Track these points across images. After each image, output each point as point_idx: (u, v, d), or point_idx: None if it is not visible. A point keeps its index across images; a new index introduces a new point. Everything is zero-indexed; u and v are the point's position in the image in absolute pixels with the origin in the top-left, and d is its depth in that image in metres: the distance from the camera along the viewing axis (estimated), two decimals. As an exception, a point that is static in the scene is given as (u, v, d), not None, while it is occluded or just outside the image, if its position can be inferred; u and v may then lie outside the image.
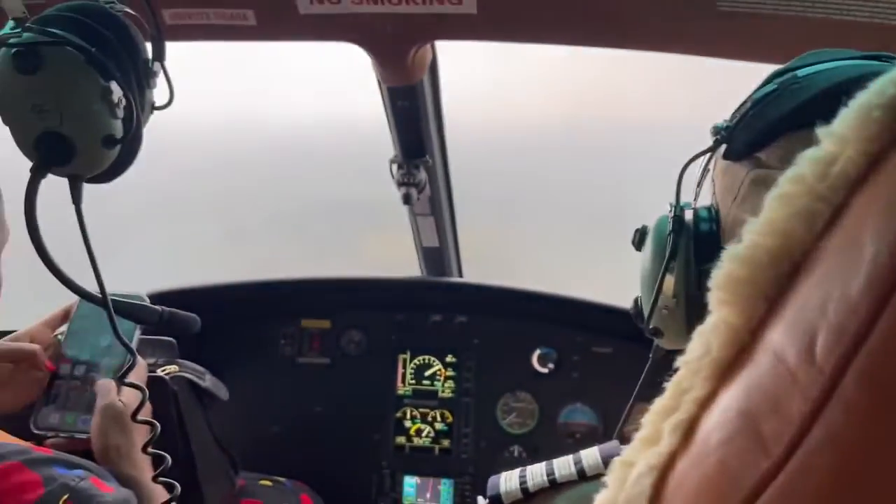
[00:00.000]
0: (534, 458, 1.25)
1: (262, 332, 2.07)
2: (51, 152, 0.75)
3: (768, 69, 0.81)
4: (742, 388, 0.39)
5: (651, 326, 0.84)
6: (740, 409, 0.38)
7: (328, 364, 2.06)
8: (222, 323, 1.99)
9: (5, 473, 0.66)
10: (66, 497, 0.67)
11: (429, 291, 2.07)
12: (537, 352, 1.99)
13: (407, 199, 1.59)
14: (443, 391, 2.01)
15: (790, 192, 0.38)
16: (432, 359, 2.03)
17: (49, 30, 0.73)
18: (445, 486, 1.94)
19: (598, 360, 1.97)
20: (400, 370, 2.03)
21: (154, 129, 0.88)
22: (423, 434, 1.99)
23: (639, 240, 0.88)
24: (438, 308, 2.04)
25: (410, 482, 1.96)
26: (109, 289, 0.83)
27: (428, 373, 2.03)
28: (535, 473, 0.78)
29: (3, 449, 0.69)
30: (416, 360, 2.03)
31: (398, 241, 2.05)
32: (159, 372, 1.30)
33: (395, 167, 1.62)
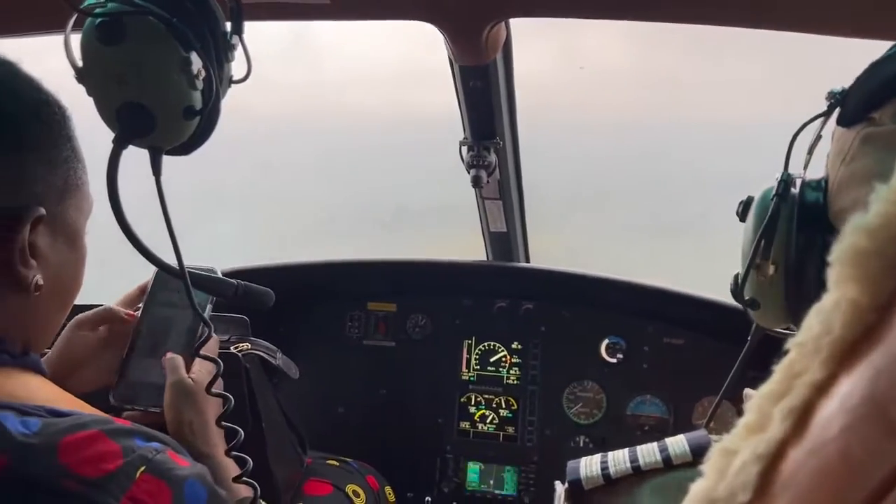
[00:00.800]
0: (600, 448, 1.22)
1: (329, 314, 2.09)
2: (132, 123, 0.76)
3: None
4: (868, 372, 0.35)
5: (747, 297, 0.79)
6: (866, 395, 0.35)
7: (393, 347, 2.06)
8: (291, 303, 2.02)
9: (87, 442, 0.66)
10: (143, 469, 0.68)
11: (495, 277, 2.04)
12: (606, 341, 1.95)
13: (476, 182, 1.57)
14: (508, 378, 1.99)
15: None
16: (497, 345, 2.01)
17: (132, 0, 0.73)
18: (509, 473, 1.92)
19: (670, 352, 1.92)
20: (464, 355, 2.02)
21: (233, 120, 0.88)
22: (488, 420, 1.98)
23: (743, 209, 0.84)
24: (504, 294, 2.02)
25: (474, 468, 1.95)
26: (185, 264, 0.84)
27: (493, 359, 2.00)
28: (618, 460, 0.75)
29: (85, 418, 0.70)
30: (481, 346, 2.02)
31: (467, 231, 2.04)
32: (232, 349, 1.32)
33: (464, 149, 1.59)
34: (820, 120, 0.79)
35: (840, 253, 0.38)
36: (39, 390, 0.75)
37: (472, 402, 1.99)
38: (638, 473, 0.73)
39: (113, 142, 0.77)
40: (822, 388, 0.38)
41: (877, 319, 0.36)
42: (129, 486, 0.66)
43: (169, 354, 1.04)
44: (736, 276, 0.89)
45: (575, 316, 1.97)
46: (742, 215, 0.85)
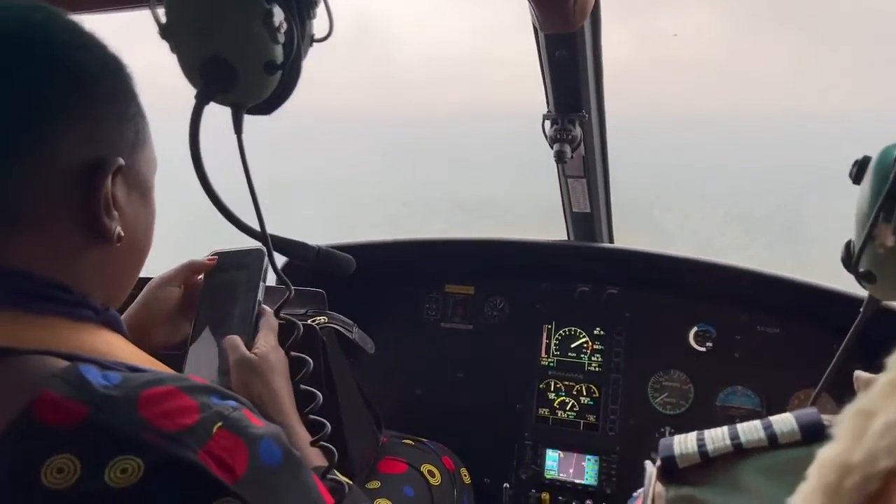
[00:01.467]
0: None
1: (407, 296, 2.07)
2: (215, 78, 0.74)
3: None
4: None
5: (862, 269, 0.72)
6: None
7: (471, 330, 2.03)
8: (370, 282, 2.01)
9: (165, 396, 0.65)
10: (219, 424, 0.66)
11: (577, 259, 1.97)
12: (694, 328, 1.85)
13: (560, 157, 1.50)
14: (589, 364, 1.92)
15: None
16: (579, 331, 1.94)
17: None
18: (590, 463, 1.86)
19: (764, 341, 1.81)
20: (544, 340, 1.96)
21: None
22: (568, 407, 1.91)
23: (857, 172, 0.76)
24: (587, 277, 1.95)
25: (553, 455, 1.89)
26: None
27: (574, 345, 1.94)
28: (717, 437, 0.69)
29: (163, 375, 0.69)
30: (561, 331, 1.95)
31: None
32: (310, 321, 1.31)
33: (547, 123, 1.53)
34: None
35: None
36: (119, 347, 0.75)
37: (552, 389, 1.93)
38: (739, 452, 0.66)
39: (195, 98, 0.76)
40: None
41: None
42: (206, 441, 0.64)
43: (227, 338, 1.03)
44: (848, 245, 0.81)
45: (662, 301, 1.88)
46: (856, 178, 0.77)
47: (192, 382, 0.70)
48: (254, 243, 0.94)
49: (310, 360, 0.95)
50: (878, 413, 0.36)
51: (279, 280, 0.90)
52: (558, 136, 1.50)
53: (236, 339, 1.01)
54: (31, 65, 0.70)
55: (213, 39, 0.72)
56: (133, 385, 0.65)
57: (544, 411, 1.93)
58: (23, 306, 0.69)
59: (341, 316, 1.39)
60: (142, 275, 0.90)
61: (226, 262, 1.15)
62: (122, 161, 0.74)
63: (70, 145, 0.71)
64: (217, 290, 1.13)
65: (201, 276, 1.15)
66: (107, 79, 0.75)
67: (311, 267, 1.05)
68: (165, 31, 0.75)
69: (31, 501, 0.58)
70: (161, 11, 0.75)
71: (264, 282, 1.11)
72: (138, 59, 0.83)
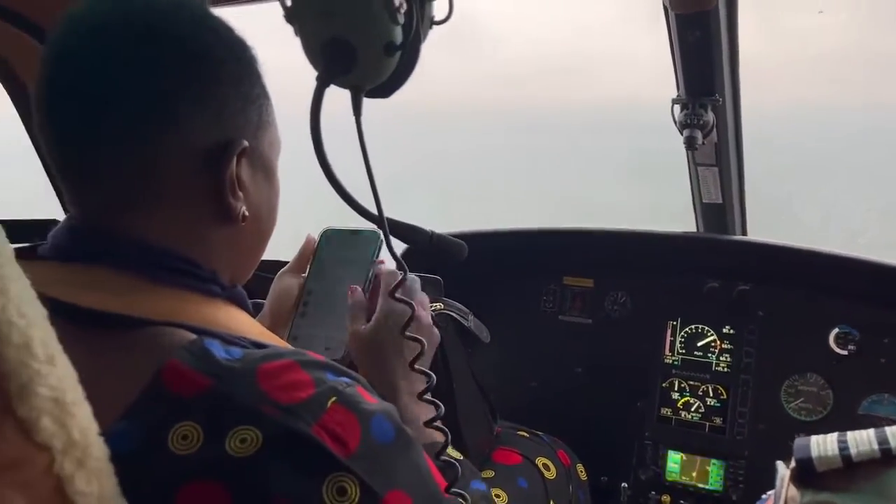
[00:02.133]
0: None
1: (524, 286, 2.04)
2: (336, 59, 0.75)
3: None
4: None
5: None
6: None
7: (590, 324, 1.97)
8: (486, 272, 1.99)
9: (282, 370, 0.67)
10: (333, 399, 0.67)
11: (706, 252, 1.87)
12: (835, 330, 1.71)
13: (690, 143, 1.43)
14: (717, 365, 1.82)
15: None
16: (706, 328, 1.84)
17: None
18: (715, 468, 1.76)
19: (917, 346, 1.64)
20: (668, 337, 1.88)
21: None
22: (693, 408, 1.82)
23: None
24: (717, 273, 1.84)
25: (675, 457, 1.81)
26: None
27: (701, 343, 1.85)
28: (861, 441, 0.62)
29: (281, 350, 0.71)
30: (687, 329, 1.86)
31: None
32: (426, 307, 1.31)
33: (677, 108, 1.46)
34: None
35: None
36: (243, 323, 0.77)
37: (676, 388, 1.85)
38: (888, 459, 0.60)
39: (316, 80, 0.78)
40: None
41: None
42: (320, 415, 0.65)
43: (350, 302, 1.04)
44: None
45: (799, 300, 1.75)
46: None
47: (310, 358, 0.71)
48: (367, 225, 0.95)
49: (424, 341, 0.95)
50: None
51: (396, 262, 0.90)
52: (689, 122, 1.42)
53: (355, 309, 1.02)
54: (160, 48, 0.73)
55: (334, 21, 0.73)
56: (253, 359, 0.67)
57: (667, 411, 1.85)
58: (159, 280, 0.73)
59: (457, 303, 1.39)
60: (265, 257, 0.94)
61: (335, 240, 1.17)
62: (246, 143, 0.77)
63: (200, 127, 0.74)
64: (325, 267, 1.15)
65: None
66: (232, 62, 0.77)
67: (424, 251, 1.05)
68: (290, 15, 0.76)
69: (160, 465, 0.61)
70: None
71: (376, 262, 1.12)
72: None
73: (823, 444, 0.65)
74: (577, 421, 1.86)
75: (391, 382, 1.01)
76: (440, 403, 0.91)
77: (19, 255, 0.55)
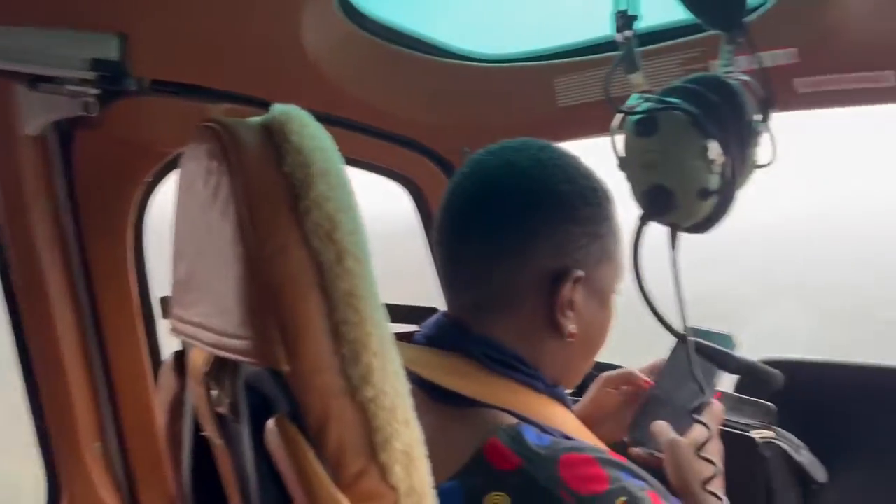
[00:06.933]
0: None
1: (886, 426, 1.81)
2: (656, 202, 0.88)
3: None
4: None
5: None
6: None
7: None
8: (842, 404, 1.82)
9: (581, 462, 0.79)
10: (624, 499, 0.76)
11: None
12: None
13: None
14: None
15: None
16: None
17: (664, 98, 0.87)
18: None
19: None
20: None
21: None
22: None
23: None
24: None
25: None
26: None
27: None
28: None
29: (585, 445, 0.83)
30: None
31: None
32: (752, 433, 1.29)
33: None
34: None
35: None
36: (559, 416, 0.91)
37: None
38: None
39: (638, 219, 0.91)
40: None
41: None
42: None
43: (655, 423, 1.08)
44: None
45: None
46: None
47: (609, 457, 0.82)
48: None
49: (715, 463, 0.97)
50: None
51: (695, 381, 0.96)
52: None
53: (663, 424, 1.07)
54: (528, 194, 0.92)
55: (655, 171, 0.86)
56: (558, 448, 0.81)
57: None
58: (491, 368, 0.91)
59: (790, 435, 1.34)
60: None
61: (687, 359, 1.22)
62: (582, 273, 0.91)
63: (543, 255, 0.92)
64: (677, 375, 1.21)
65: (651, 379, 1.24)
66: (583, 207, 0.93)
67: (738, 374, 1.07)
68: (622, 164, 0.92)
69: None
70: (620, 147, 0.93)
71: (718, 375, 1.15)
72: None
73: None
74: None
75: (699, 494, 1.03)
76: None
77: (399, 336, 0.76)
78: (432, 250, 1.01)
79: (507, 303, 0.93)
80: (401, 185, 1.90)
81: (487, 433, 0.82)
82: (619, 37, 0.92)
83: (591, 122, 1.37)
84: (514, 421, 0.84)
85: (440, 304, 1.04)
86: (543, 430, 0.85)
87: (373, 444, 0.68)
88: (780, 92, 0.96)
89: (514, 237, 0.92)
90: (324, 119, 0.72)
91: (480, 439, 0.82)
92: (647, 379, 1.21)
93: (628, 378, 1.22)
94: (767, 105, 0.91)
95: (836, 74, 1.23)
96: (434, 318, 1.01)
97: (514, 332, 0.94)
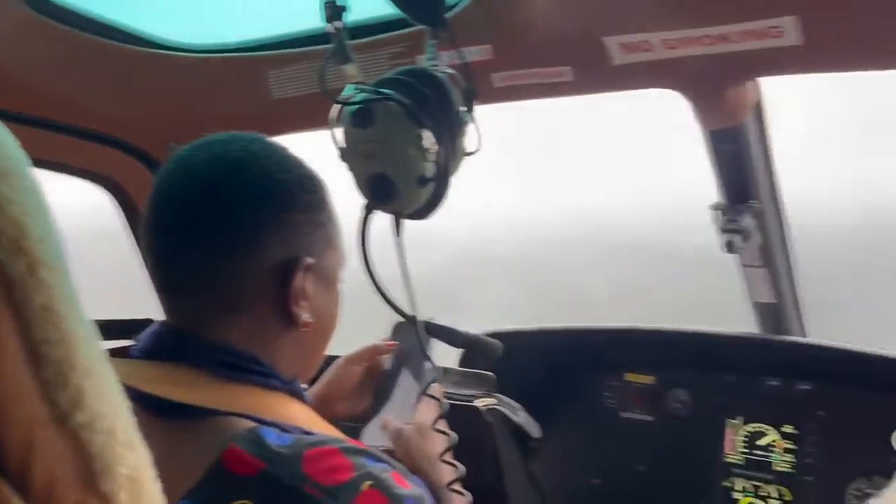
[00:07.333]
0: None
1: (586, 382, 2.09)
2: (378, 191, 0.90)
3: None
4: None
5: None
6: None
7: (652, 422, 1.99)
8: (547, 366, 2.06)
9: (325, 455, 0.79)
10: (369, 483, 0.78)
11: (765, 352, 1.89)
12: (898, 431, 1.68)
13: (729, 247, 1.50)
14: (779, 465, 1.80)
15: None
16: (767, 427, 1.83)
17: (379, 89, 0.89)
18: (780, 573, 1.72)
19: None
20: (729, 436, 1.87)
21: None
22: (756, 510, 1.80)
23: None
24: (777, 371, 1.85)
25: (739, 560, 1.77)
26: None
27: (761, 442, 1.83)
28: None
29: (327, 437, 0.83)
30: (748, 427, 1.86)
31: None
32: (476, 403, 1.41)
33: (718, 213, 1.54)
34: None
35: None
36: (299, 414, 0.90)
37: (738, 488, 1.83)
38: None
39: (363, 207, 0.93)
40: None
41: None
42: (355, 497, 0.76)
43: (383, 418, 1.13)
44: None
45: (860, 401, 1.73)
46: None
47: (352, 445, 0.83)
48: None
49: (454, 435, 1.04)
50: None
51: (426, 358, 1.02)
52: (727, 227, 1.50)
53: (389, 418, 1.12)
54: (247, 186, 0.90)
55: (376, 160, 0.89)
56: (301, 445, 0.79)
57: (729, 512, 1.83)
58: (222, 375, 0.87)
59: (509, 399, 1.47)
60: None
61: (408, 331, 1.26)
62: (311, 260, 0.92)
63: (270, 247, 0.90)
64: (395, 372, 1.26)
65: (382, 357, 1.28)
66: (303, 195, 0.93)
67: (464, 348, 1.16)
68: (342, 155, 0.93)
69: None
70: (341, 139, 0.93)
71: (427, 363, 1.22)
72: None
73: None
74: (640, 520, 1.86)
75: (438, 473, 1.09)
76: (468, 493, 0.99)
77: (112, 353, 0.69)
78: (143, 256, 0.93)
79: (236, 302, 0.90)
80: (102, 188, 1.73)
81: (225, 442, 0.78)
82: (329, 27, 0.93)
83: (307, 115, 1.37)
84: (253, 425, 0.81)
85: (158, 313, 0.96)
86: (284, 429, 0.83)
87: (91, 472, 0.61)
88: (481, 85, 1.04)
89: (237, 233, 0.88)
90: (8, 118, 0.62)
91: (218, 449, 0.77)
92: (391, 343, 1.25)
93: (371, 351, 1.24)
94: (471, 97, 0.98)
95: (526, 69, 1.37)
96: (150, 329, 0.94)
97: (246, 331, 0.90)
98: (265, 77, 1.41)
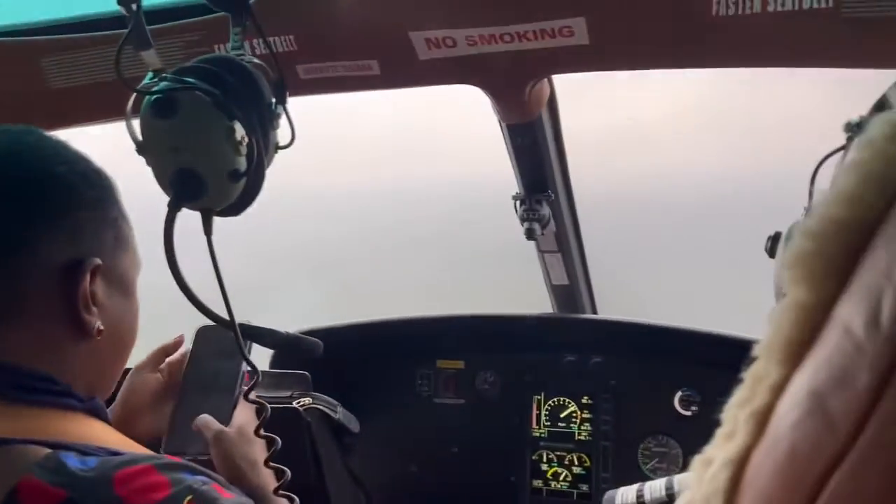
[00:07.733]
0: None
1: (399, 372, 2.12)
2: (185, 187, 0.84)
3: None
4: (811, 367, 0.37)
5: None
6: (809, 390, 0.36)
7: (463, 405, 2.07)
8: (362, 361, 2.07)
9: (138, 474, 0.72)
10: (189, 497, 0.73)
11: (562, 330, 2.04)
12: (679, 393, 1.89)
13: (530, 235, 1.59)
14: (579, 434, 1.95)
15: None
16: (567, 400, 1.98)
17: (182, 78, 0.83)
18: (584, 533, 1.87)
19: (747, 402, 1.84)
20: (534, 411, 2.00)
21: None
22: (561, 478, 1.94)
23: (771, 245, 0.84)
24: (572, 347, 2.00)
25: (548, 527, 1.90)
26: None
27: (563, 414, 1.98)
28: (654, 489, 0.76)
29: (138, 455, 0.76)
30: (551, 402, 2.00)
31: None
32: (294, 404, 1.37)
33: (518, 203, 1.63)
34: (841, 153, 0.79)
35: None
36: (101, 433, 0.82)
37: (545, 460, 1.96)
38: (673, 500, 0.73)
39: (168, 205, 0.86)
40: (778, 390, 0.39)
41: (823, 318, 0.37)
42: None
43: (198, 419, 1.07)
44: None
45: (645, 368, 1.93)
46: (771, 251, 0.85)
47: (167, 461, 0.77)
48: None
49: (277, 439, 1.01)
50: (713, 461, 0.43)
51: (246, 362, 0.97)
52: (527, 216, 1.59)
53: (207, 418, 1.06)
54: (20, 181, 0.80)
55: (182, 154, 0.82)
56: (108, 466, 0.72)
57: (538, 483, 1.95)
58: (10, 398, 0.77)
59: (326, 397, 1.45)
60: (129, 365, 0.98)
61: (212, 337, 1.19)
62: (99, 261, 0.84)
63: (53, 247, 0.81)
64: (202, 363, 1.19)
65: (176, 358, 1.20)
66: (88, 190, 0.85)
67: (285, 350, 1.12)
68: (141, 148, 0.85)
69: None
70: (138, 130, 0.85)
71: (245, 366, 1.17)
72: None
73: (626, 494, 0.78)
74: (457, 501, 1.93)
75: (259, 476, 1.04)
76: (294, 497, 0.96)
77: None
78: None
79: (15, 313, 0.80)
80: None
81: (18, 473, 0.69)
82: (124, 9, 0.84)
83: (93, 107, 1.25)
84: (48, 451, 0.73)
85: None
86: (85, 452, 0.75)
87: None
88: (289, 77, 1.01)
89: (10, 233, 0.79)
90: None
91: (10, 482, 0.68)
92: (179, 339, 1.18)
93: (160, 355, 1.17)
94: (282, 88, 0.94)
95: (332, 62, 1.34)
96: None
97: (30, 345, 0.81)
98: (39, 64, 1.25)
